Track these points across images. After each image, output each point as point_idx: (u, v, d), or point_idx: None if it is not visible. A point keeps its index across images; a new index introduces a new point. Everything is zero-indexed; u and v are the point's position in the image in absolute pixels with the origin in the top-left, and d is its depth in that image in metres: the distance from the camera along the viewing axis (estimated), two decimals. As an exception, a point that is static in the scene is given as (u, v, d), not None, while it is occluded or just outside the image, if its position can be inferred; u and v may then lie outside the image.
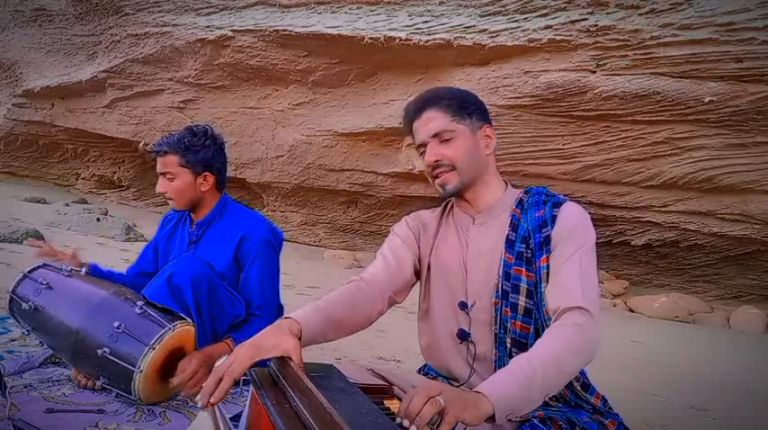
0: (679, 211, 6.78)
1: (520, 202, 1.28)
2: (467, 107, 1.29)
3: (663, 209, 6.83)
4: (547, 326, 1.13)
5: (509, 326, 1.20)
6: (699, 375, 4.02)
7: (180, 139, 1.88)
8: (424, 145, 1.29)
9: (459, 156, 1.26)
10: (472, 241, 1.29)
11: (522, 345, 1.18)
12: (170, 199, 1.92)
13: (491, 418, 0.88)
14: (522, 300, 1.19)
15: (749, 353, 5.43)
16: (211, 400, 0.91)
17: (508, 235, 1.24)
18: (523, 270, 1.20)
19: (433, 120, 1.27)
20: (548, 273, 1.16)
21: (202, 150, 1.90)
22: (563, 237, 1.18)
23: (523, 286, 1.19)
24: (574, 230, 1.18)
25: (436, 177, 1.28)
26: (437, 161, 1.26)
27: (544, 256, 1.18)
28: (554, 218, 1.21)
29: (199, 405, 0.92)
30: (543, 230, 1.20)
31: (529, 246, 1.21)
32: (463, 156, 1.26)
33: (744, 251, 7.14)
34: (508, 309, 1.20)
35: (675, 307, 7.25)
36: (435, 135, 1.27)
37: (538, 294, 1.17)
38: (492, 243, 1.26)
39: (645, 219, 7.09)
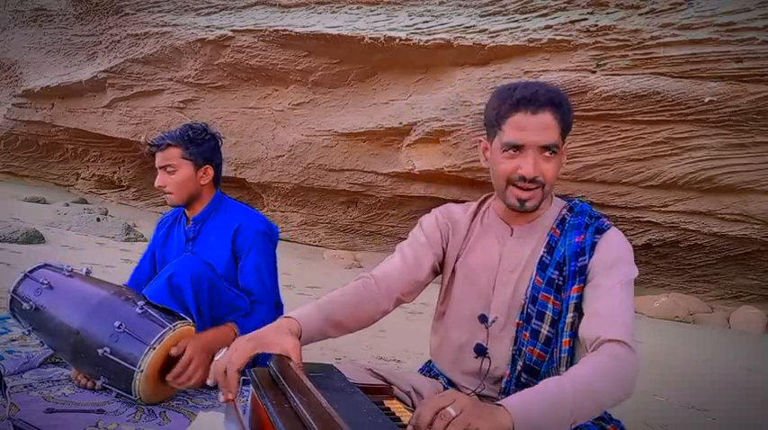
0: (679, 211, 6.77)
1: (561, 221, 1.21)
2: (570, 122, 1.16)
3: (663, 209, 6.82)
4: (561, 355, 1.10)
5: (524, 350, 1.17)
6: (699, 375, 4.02)
7: (182, 133, 1.92)
8: (518, 146, 1.12)
9: (552, 177, 1.15)
10: (507, 254, 1.22)
11: (534, 372, 1.15)
12: (169, 193, 1.92)
13: None
14: (544, 328, 1.15)
15: (749, 353, 5.42)
16: (228, 396, 0.92)
17: (542, 257, 1.18)
18: (551, 297, 1.15)
19: (550, 129, 1.12)
20: (576, 304, 1.11)
21: (204, 143, 1.94)
22: (604, 267, 1.11)
23: (548, 314, 1.15)
24: (617, 261, 1.12)
25: (520, 188, 1.15)
26: (536, 177, 1.13)
27: (576, 286, 1.13)
28: (594, 245, 1.14)
29: (221, 399, 0.93)
30: (580, 259, 1.14)
31: (562, 273, 1.15)
32: (554, 176, 1.15)
33: (744, 251, 7.13)
34: (527, 334, 1.17)
35: (675, 307, 7.25)
36: (545, 147, 1.12)
37: (561, 323, 1.13)
38: (525, 259, 1.21)
39: (645, 219, 7.08)
